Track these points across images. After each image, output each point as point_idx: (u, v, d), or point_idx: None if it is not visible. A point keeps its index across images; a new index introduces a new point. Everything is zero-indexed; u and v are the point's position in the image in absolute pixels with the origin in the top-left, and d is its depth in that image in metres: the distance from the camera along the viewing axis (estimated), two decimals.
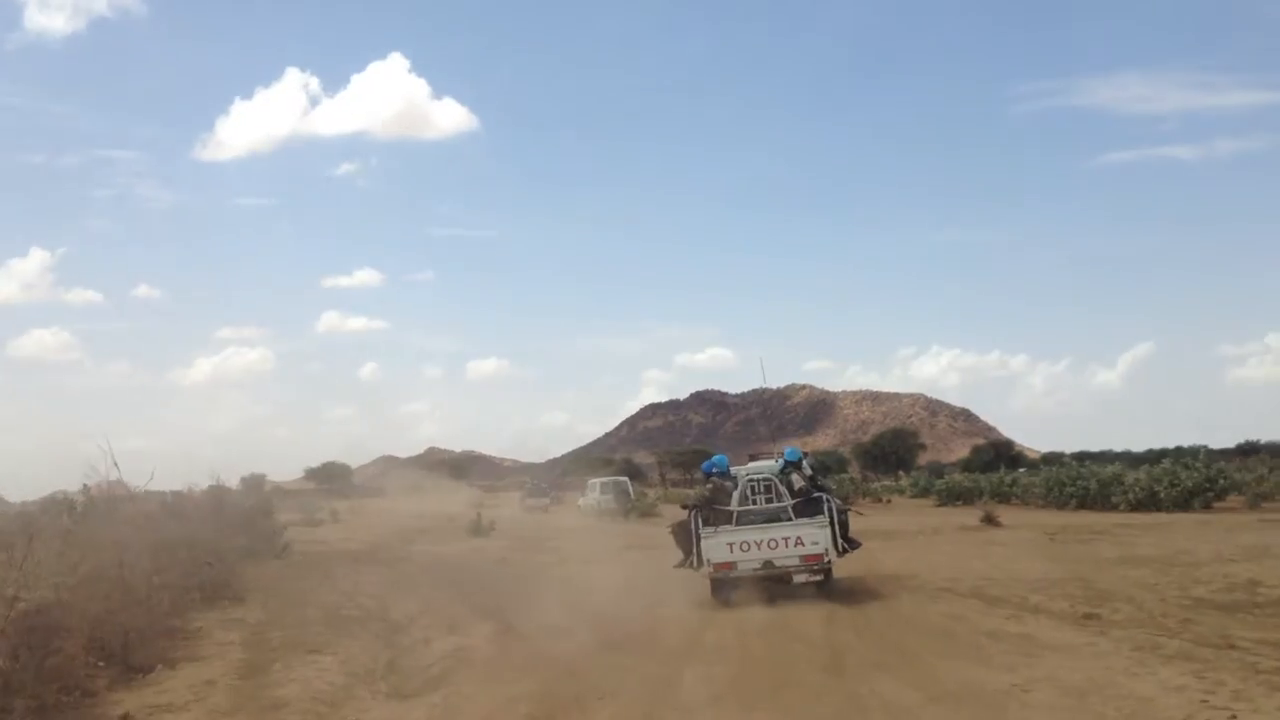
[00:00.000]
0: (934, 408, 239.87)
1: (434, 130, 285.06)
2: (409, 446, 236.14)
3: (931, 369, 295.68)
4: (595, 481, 55.18)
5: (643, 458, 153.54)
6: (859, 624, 14.43)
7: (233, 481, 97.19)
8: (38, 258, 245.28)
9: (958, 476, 58.93)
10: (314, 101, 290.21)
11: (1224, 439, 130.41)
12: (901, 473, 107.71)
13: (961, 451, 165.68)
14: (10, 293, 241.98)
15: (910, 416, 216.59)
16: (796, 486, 17.12)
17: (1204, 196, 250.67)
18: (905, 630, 13.79)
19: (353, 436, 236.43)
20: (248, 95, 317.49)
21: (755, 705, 9.99)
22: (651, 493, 67.27)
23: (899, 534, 31.51)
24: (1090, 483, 42.40)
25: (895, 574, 20.16)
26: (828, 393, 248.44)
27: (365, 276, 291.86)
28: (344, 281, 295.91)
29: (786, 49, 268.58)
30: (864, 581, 19.24)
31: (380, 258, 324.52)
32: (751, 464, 18.98)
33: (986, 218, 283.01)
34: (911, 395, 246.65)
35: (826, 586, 16.73)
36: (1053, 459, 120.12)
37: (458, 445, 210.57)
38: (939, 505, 53.78)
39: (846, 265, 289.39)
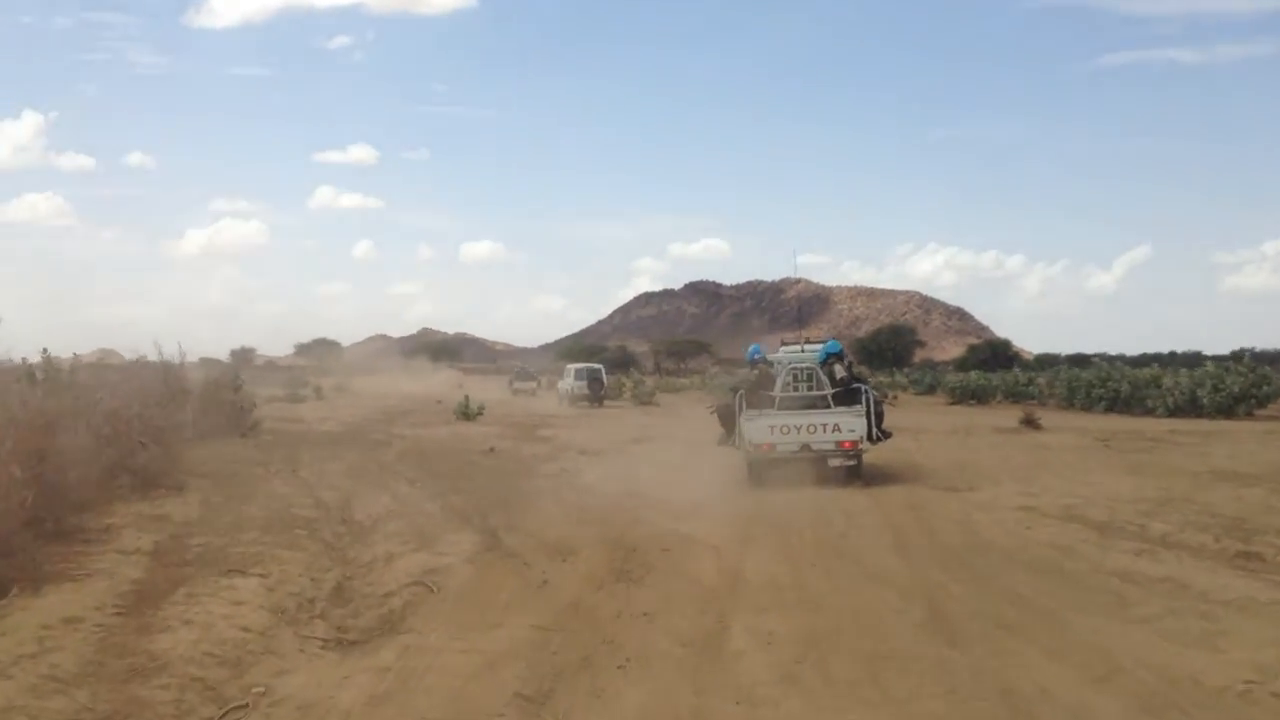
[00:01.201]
0: (928, 305, 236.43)
1: (431, 6, 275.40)
2: (402, 326, 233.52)
3: (927, 267, 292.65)
4: (570, 367, 53.75)
5: (636, 345, 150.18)
6: (941, 555, 11.12)
7: (222, 354, 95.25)
8: (30, 120, 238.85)
9: (972, 374, 55.59)
10: None
11: (1217, 346, 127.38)
12: (895, 369, 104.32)
13: (955, 350, 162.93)
14: (2, 155, 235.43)
15: (905, 314, 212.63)
16: (838, 376, 17.57)
17: (1205, 102, 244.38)
18: (1007, 567, 10.47)
19: (345, 314, 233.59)
20: None
21: (849, 693, 6.69)
22: (650, 380, 64.04)
23: (928, 433, 28.29)
24: (1121, 385, 39.18)
25: (951, 483, 16.89)
26: (823, 287, 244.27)
27: (360, 153, 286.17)
28: (337, 157, 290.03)
29: None
30: (920, 491, 16.01)
31: (375, 134, 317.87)
32: (790, 351, 19.41)
33: (987, 116, 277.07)
34: (906, 292, 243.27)
35: (857, 472, 17.05)
36: (1047, 360, 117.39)
37: (450, 327, 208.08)
38: (951, 404, 50.62)
39: (844, 160, 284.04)
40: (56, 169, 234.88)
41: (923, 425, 32.45)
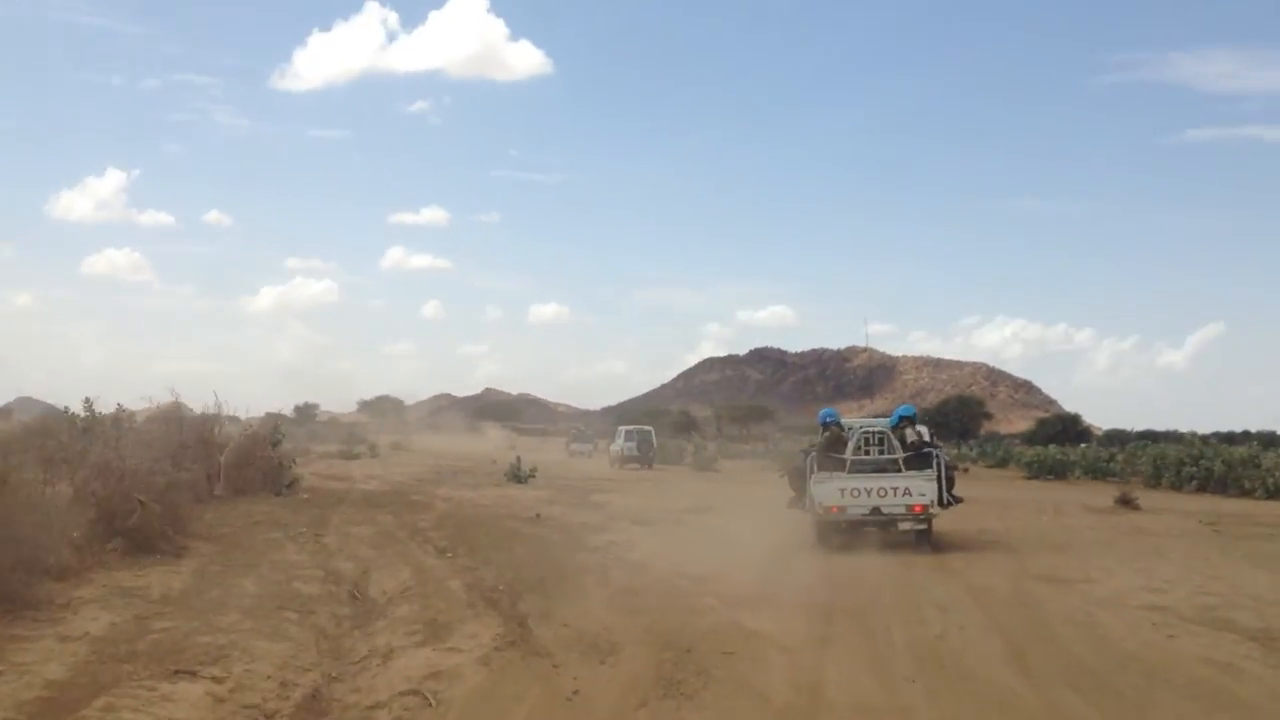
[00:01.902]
0: (995, 377, 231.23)
1: (508, 72, 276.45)
2: (467, 386, 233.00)
3: (994, 338, 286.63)
4: (621, 429, 52.84)
5: (699, 410, 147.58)
6: (1071, 670, 8.78)
7: (287, 410, 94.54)
8: (113, 178, 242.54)
9: (1050, 449, 52.60)
10: (391, 37, 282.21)
11: None
12: (961, 440, 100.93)
13: (1021, 424, 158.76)
14: (85, 211, 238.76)
15: (971, 385, 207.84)
16: (909, 440, 17.54)
17: None
18: (1161, 692, 8.12)
19: (412, 373, 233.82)
20: (326, 27, 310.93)
21: None
22: (711, 446, 61.75)
23: (1013, 510, 25.81)
24: (1215, 463, 36.28)
25: (1056, 571, 14.53)
26: (889, 356, 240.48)
27: (432, 215, 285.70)
28: (411, 219, 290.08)
29: (875, 2, 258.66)
30: (1024, 582, 13.65)
31: (448, 197, 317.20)
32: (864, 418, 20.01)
33: (1062, 188, 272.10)
34: (973, 364, 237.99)
35: (926, 538, 17.10)
36: (1116, 436, 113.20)
37: (514, 388, 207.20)
38: (1028, 478, 47.74)
39: (914, 229, 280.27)
40: (137, 225, 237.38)
41: (1004, 500, 29.93)
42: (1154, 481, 39.85)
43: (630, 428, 53.66)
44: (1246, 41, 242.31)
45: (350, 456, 50.42)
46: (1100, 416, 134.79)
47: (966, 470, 49.54)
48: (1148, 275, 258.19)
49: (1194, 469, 36.79)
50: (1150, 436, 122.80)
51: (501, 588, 12.37)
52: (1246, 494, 33.54)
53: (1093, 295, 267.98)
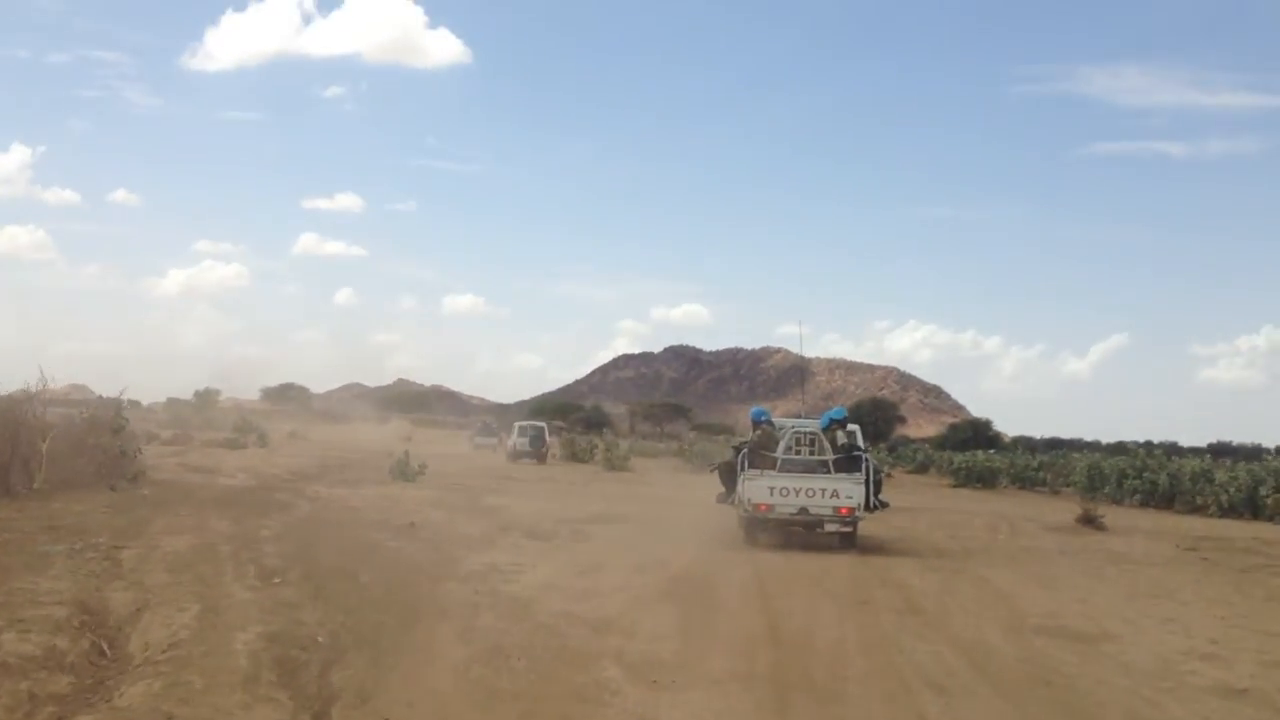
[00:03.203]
0: (905, 382, 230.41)
1: (426, 59, 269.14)
2: (379, 376, 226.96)
3: (905, 343, 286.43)
4: (516, 425, 52.82)
5: (614, 407, 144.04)
6: None
7: (187, 394, 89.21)
8: (18, 154, 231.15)
9: (980, 455, 49.73)
10: (307, 20, 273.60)
11: (1190, 438, 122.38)
12: (873, 444, 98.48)
13: (930, 429, 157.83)
14: None
15: (882, 389, 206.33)
16: (839, 443, 17.39)
17: (1190, 195, 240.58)
18: None
19: (322, 361, 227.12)
20: (240, 7, 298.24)
21: None
22: (624, 444, 58.19)
23: (961, 525, 22.60)
24: (1160, 476, 33.52)
25: (1060, 621, 11.18)
26: (802, 357, 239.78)
27: (346, 201, 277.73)
28: (324, 204, 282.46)
29: (785, 11, 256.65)
30: (1027, 638, 10.22)
31: (363, 184, 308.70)
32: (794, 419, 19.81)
33: (973, 198, 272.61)
34: (885, 368, 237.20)
35: (850, 540, 16.90)
36: (1022, 443, 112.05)
37: (427, 379, 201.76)
38: (955, 486, 44.86)
39: (829, 234, 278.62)
40: (41, 202, 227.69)
41: (943, 512, 26.73)
42: (1089, 494, 37.05)
43: (525, 423, 52.82)
44: (1155, 56, 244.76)
45: (235, 446, 45.89)
46: (1006, 424, 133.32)
47: (890, 476, 46.79)
48: (1055, 285, 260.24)
49: (1137, 482, 34.02)
50: (1056, 444, 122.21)
51: (320, 641, 8.63)
52: (1197, 510, 30.88)
53: (1001, 303, 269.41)
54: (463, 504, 22.08)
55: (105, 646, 8.33)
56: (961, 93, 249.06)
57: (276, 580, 11.51)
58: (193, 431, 54.29)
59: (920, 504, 30.93)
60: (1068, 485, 42.48)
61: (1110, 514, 24.68)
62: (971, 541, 19.56)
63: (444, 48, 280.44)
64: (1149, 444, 78.34)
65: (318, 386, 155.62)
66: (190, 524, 16.02)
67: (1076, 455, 52.84)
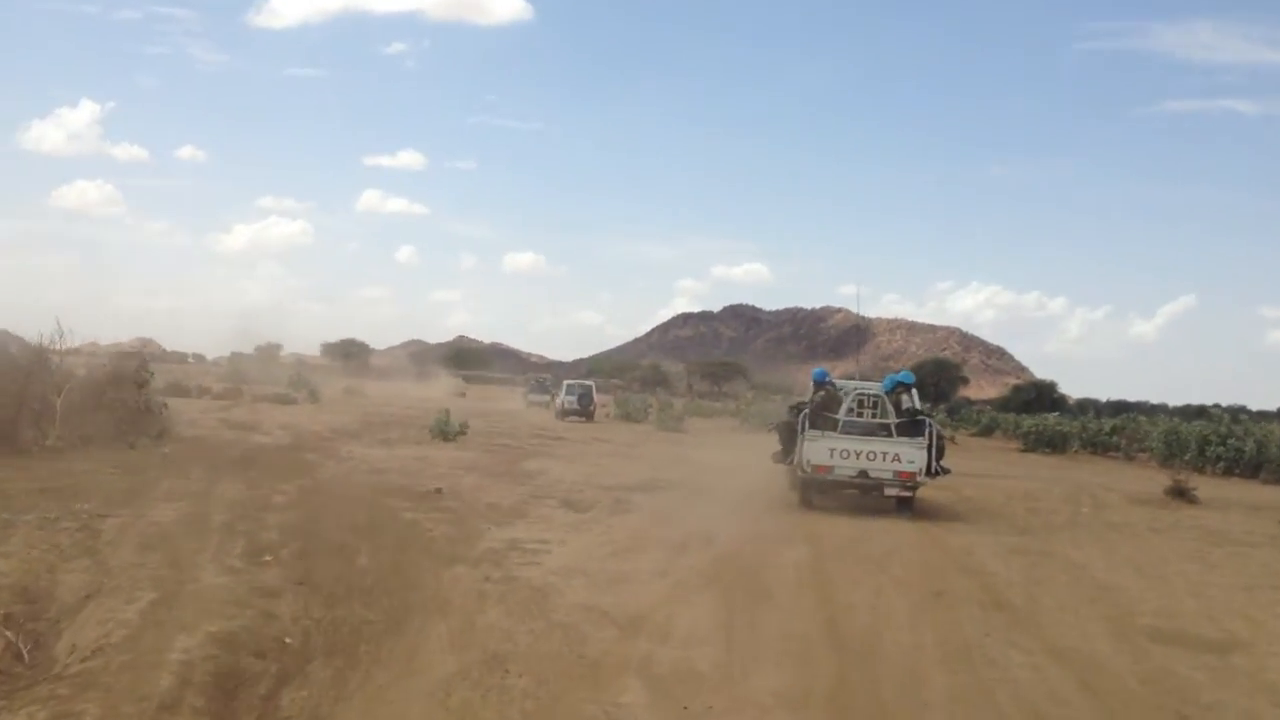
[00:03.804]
0: (967, 342, 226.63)
1: (488, 17, 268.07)
2: (439, 333, 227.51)
3: (968, 304, 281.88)
4: (565, 383, 52.76)
5: (672, 366, 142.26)
6: None
7: (248, 349, 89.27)
8: (87, 109, 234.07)
9: (1050, 419, 47.35)
10: None
11: (1258, 402, 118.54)
12: (935, 405, 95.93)
13: (991, 390, 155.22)
14: (58, 142, 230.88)
15: (944, 349, 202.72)
16: (904, 406, 16.94)
17: (1261, 154, 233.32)
18: None
19: (384, 318, 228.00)
20: None
21: None
22: (678, 403, 56.45)
23: (1038, 495, 20.70)
24: (1246, 443, 31.23)
25: (1176, 624, 9.39)
26: (863, 318, 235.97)
27: (408, 158, 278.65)
28: (386, 161, 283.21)
29: None
30: (1140, 643, 8.44)
31: (424, 141, 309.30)
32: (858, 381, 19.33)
33: (1040, 156, 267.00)
34: (946, 328, 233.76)
35: (910, 505, 16.31)
36: (1087, 405, 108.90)
37: (487, 336, 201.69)
38: (1023, 450, 42.66)
39: (892, 193, 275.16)
40: (110, 158, 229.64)
41: (1015, 480, 24.80)
42: (1167, 461, 34.81)
43: (573, 382, 53.04)
44: (1227, 13, 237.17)
45: (285, 401, 44.81)
46: (1070, 385, 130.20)
47: (954, 440, 44.86)
48: (1122, 246, 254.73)
49: (1220, 449, 31.70)
50: (1121, 407, 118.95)
51: (288, 643, 7.10)
52: None
53: (1067, 264, 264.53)
54: (500, 467, 20.55)
55: (24, 649, 6.84)
56: (1029, 50, 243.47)
57: (267, 558, 10.02)
58: (251, 386, 53.48)
59: (990, 469, 29.00)
60: (1143, 451, 40.20)
61: (1207, 487, 22.59)
62: (1053, 515, 17.68)
63: (506, 5, 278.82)
64: (1231, 409, 75.72)
65: (379, 342, 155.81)
66: (198, 488, 14.61)
67: (1145, 419, 50.42)
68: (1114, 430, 43.35)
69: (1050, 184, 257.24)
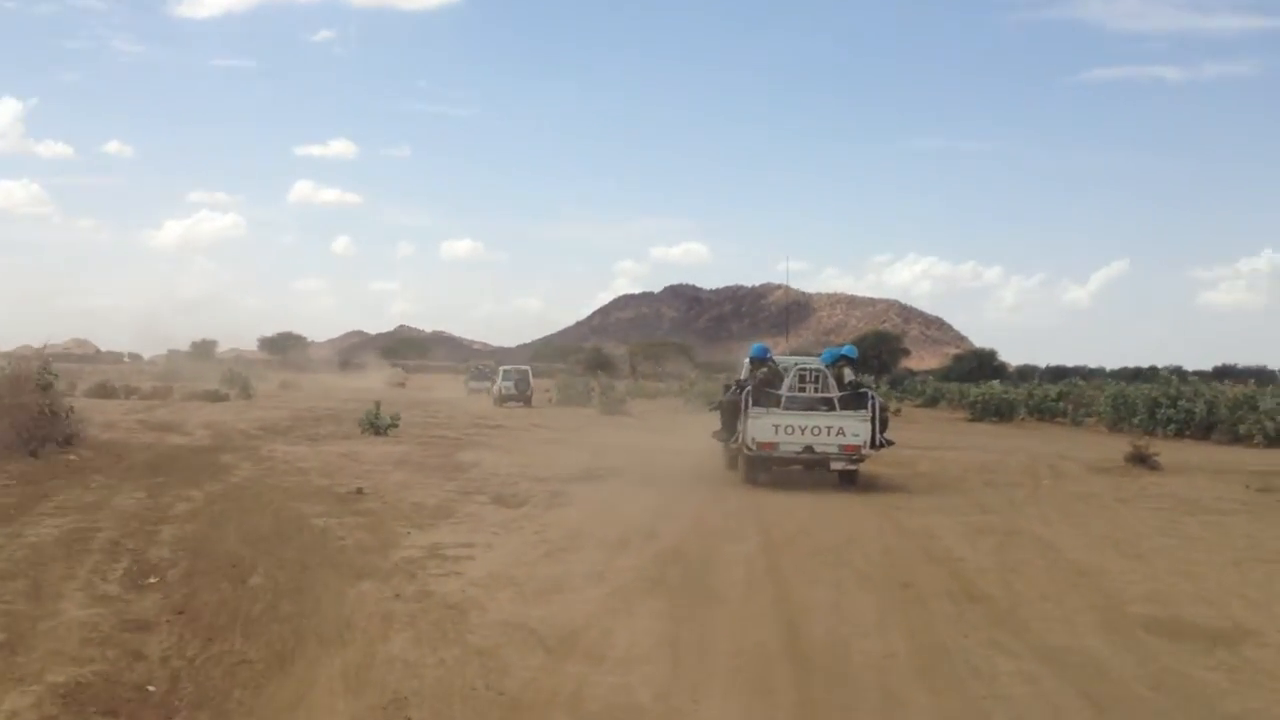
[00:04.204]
0: (907, 314, 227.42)
1: (415, 2, 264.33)
2: (380, 323, 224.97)
3: (906, 276, 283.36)
4: (501, 369, 53.57)
5: (615, 348, 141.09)
6: None
7: (184, 346, 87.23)
8: (9, 107, 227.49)
9: (996, 387, 46.71)
10: None
11: (1193, 363, 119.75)
12: (878, 377, 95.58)
13: (932, 361, 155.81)
14: None
15: (884, 322, 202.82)
16: (845, 380, 17.00)
17: (1187, 119, 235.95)
18: None
19: (323, 310, 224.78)
20: None
21: None
22: (621, 385, 55.29)
23: (996, 468, 19.82)
24: (1196, 405, 30.67)
25: (1172, 609, 8.40)
26: (803, 294, 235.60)
27: (340, 147, 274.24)
28: (318, 151, 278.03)
29: None
30: (1137, 637, 7.42)
31: (356, 129, 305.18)
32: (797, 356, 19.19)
33: (970, 126, 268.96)
34: (886, 301, 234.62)
35: (854, 478, 16.39)
36: (1027, 373, 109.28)
37: (429, 325, 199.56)
38: (971, 420, 42.03)
39: (826, 167, 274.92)
40: (35, 156, 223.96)
41: (970, 451, 23.95)
42: (1116, 426, 34.32)
43: (509, 367, 53.31)
44: None
45: (216, 399, 43.08)
46: (1009, 353, 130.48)
47: (899, 412, 44.23)
48: (1054, 213, 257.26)
49: (1171, 411, 31.15)
50: (1060, 373, 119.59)
51: (150, 690, 5.88)
52: (1239, 441, 28.14)
53: (1000, 233, 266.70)
54: (432, 460, 19.28)
55: None
56: (956, 20, 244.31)
57: (151, 580, 8.75)
58: (184, 383, 51.72)
59: (940, 441, 28.20)
60: (1090, 416, 39.77)
61: (1166, 451, 21.76)
62: (1013, 489, 16.76)
63: None
64: (1168, 370, 75.55)
65: (319, 335, 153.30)
66: (93, 498, 13.27)
67: (1084, 384, 50.13)
68: (1060, 396, 42.91)
69: (982, 153, 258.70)
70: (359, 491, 14.40)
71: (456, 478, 16.68)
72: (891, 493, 16.27)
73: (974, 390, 44.98)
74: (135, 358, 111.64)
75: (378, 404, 25.38)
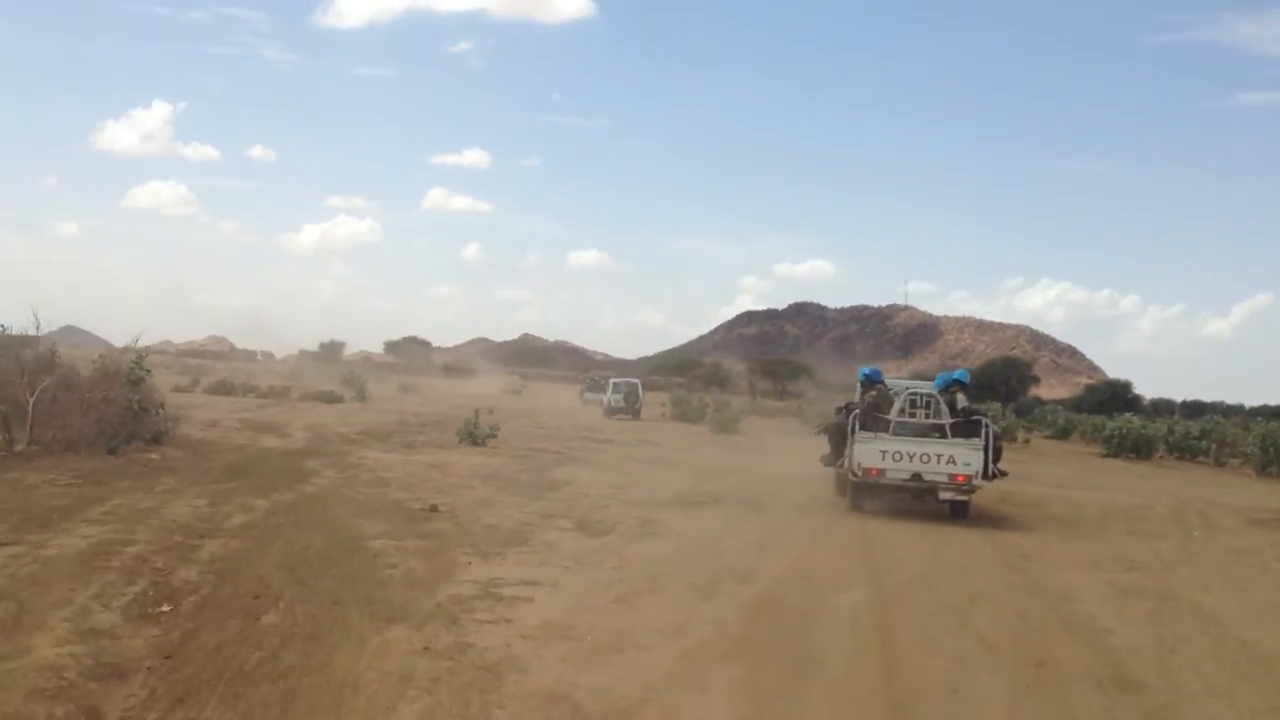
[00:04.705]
0: (1038, 341, 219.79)
1: (552, 14, 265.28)
2: (505, 331, 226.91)
3: (1038, 302, 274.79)
4: (611, 381, 52.38)
5: (733, 364, 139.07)
6: None
7: (312, 347, 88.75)
8: (159, 110, 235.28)
9: (1134, 421, 43.55)
10: None
11: None
12: (1004, 405, 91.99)
13: (1062, 390, 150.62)
14: (130, 143, 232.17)
15: (1014, 348, 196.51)
16: (958, 406, 15.96)
17: None
18: None
19: (451, 315, 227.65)
20: None
21: None
22: (735, 402, 53.58)
23: (1138, 516, 17.75)
24: None
25: None
26: (930, 316, 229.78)
27: (474, 156, 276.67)
28: (452, 160, 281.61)
29: None
30: None
31: (490, 139, 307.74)
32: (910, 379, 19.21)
33: (1111, 150, 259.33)
34: (1016, 326, 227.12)
35: (963, 510, 15.36)
36: (1162, 407, 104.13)
37: (552, 334, 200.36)
38: (1105, 455, 39.32)
39: (957, 188, 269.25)
40: (182, 158, 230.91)
41: (1103, 490, 21.87)
42: (1265, 469, 31.60)
43: (619, 380, 52.55)
44: None
45: (331, 400, 42.75)
46: (1143, 385, 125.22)
47: (1028, 443, 41.82)
48: (1195, 242, 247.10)
49: None
50: (1198, 407, 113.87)
51: None
52: None
53: (1138, 261, 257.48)
54: (523, 476, 18.03)
55: None
56: (1098, 42, 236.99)
57: (165, 608, 7.61)
58: (307, 383, 51.86)
59: (1073, 478, 26.03)
60: (1233, 457, 36.91)
61: None
62: (1160, 541, 14.79)
63: (570, 3, 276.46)
64: None
65: (447, 340, 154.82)
66: (149, 504, 12.30)
67: (1224, 420, 46.99)
68: (1202, 434, 39.94)
69: (1121, 178, 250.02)
70: (433, 509, 13.18)
71: (543, 497, 15.38)
72: (1022, 536, 14.50)
73: (1110, 424, 42.17)
74: (268, 356, 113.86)
75: (477, 412, 24.29)
